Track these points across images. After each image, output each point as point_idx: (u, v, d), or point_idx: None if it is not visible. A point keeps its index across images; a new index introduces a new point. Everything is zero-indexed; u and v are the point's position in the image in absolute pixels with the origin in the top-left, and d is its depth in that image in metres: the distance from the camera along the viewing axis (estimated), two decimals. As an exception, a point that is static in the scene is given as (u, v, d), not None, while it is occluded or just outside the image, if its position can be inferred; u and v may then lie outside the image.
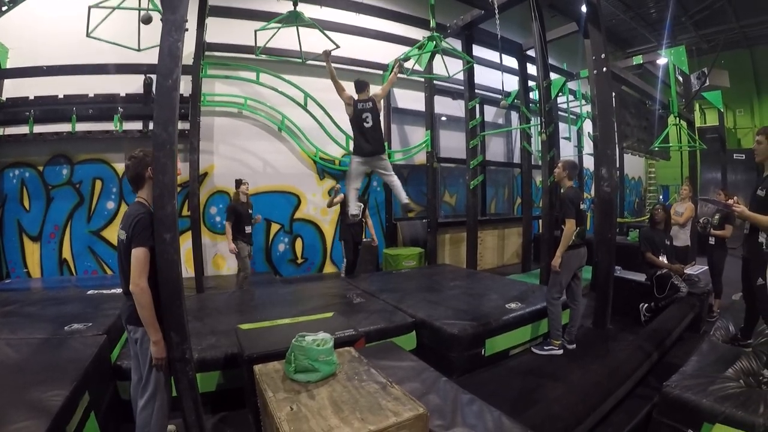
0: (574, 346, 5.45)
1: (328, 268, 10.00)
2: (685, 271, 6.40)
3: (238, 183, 7.35)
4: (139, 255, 2.84)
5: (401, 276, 7.66)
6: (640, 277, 6.69)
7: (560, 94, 11.22)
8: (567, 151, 13.48)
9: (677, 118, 8.86)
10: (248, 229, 7.32)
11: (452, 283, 6.83)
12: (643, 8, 15.14)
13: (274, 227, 9.48)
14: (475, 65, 8.63)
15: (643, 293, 6.46)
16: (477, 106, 9.00)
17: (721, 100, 11.75)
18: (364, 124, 5.24)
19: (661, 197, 19.54)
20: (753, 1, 14.62)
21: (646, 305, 6.33)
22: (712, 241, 6.72)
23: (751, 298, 4.25)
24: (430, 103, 9.68)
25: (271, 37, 6.19)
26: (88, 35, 5.53)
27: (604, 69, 5.75)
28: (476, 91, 9.22)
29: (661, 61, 10.93)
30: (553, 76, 11.03)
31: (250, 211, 7.41)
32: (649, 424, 3.39)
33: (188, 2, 3.14)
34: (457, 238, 10.54)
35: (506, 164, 13.02)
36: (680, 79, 11.57)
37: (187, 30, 3.15)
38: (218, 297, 6.45)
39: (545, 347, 5.43)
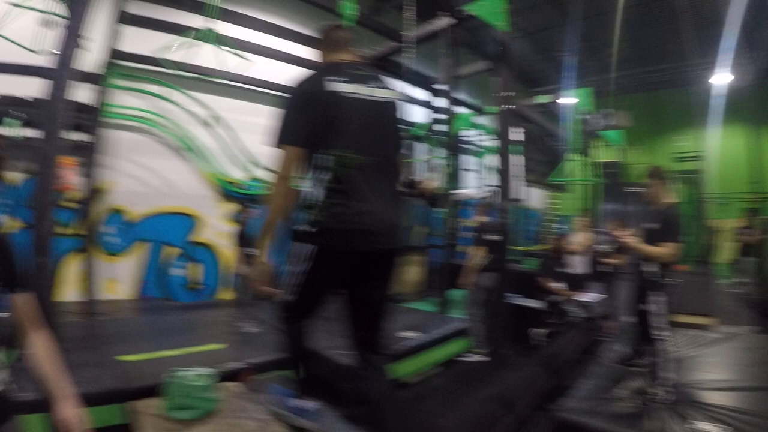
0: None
1: (228, 295, 9.67)
2: (579, 298, 6.74)
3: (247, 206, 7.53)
4: None
5: None
6: (535, 304, 6.91)
7: (468, 127, 11.52)
8: (472, 183, 13.86)
9: (578, 154, 9.25)
10: None
11: None
12: (553, 51, 15.90)
13: (170, 250, 9.00)
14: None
15: (537, 319, 6.69)
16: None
17: (621, 139, 12.36)
18: None
19: (560, 227, 20.56)
20: (656, 51, 16.57)
21: (541, 331, 6.56)
22: (608, 268, 7.14)
23: (640, 321, 4.59)
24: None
25: (181, 51, 5.97)
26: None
27: (509, 106, 6.01)
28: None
29: (566, 101, 11.41)
30: (463, 110, 11.38)
31: None
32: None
33: (92, 11, 3.00)
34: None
35: (409, 194, 12.93)
36: (582, 118, 12.19)
37: (90, 39, 3.02)
38: (107, 324, 6.05)
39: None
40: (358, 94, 2.38)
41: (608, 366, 4.68)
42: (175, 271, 9.08)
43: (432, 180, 6.19)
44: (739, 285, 12.24)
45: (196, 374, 2.94)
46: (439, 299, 7.47)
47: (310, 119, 2.34)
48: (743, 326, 7.39)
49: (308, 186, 2.40)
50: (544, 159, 10.14)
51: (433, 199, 6.15)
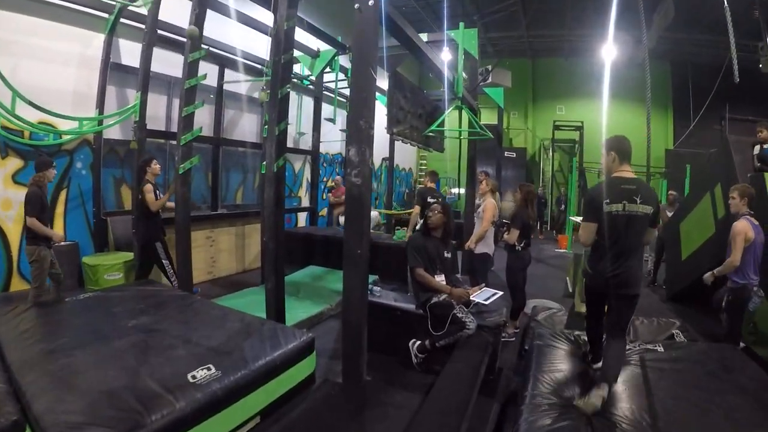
0: None
1: (17, 285, 6.83)
2: (472, 297, 4.67)
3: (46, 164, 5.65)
4: None
5: (77, 306, 4.92)
6: (410, 304, 4.97)
7: (329, 69, 9.46)
8: (332, 135, 12.27)
9: (460, 100, 7.57)
10: None
11: (133, 322, 4.31)
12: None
13: None
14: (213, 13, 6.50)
15: (413, 325, 4.72)
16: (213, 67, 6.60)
17: (503, 100, 11.01)
18: None
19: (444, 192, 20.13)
20: (545, 15, 15.84)
21: (419, 343, 4.54)
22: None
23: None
24: (146, 55, 7.05)
25: None
26: None
27: (371, 2, 3.68)
28: (219, 51, 7.18)
29: (445, 56, 9.70)
30: (324, 47, 9.21)
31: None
32: None
33: None
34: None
35: (245, 143, 10.44)
36: (465, 76, 10.58)
37: None
38: None
39: None
40: None
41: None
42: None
43: None
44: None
45: None
46: (273, 286, 5.17)
47: None
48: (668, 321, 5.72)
49: None
50: (415, 111, 8.16)
51: None
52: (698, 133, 17.02)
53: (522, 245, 5.76)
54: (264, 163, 5.02)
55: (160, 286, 5.95)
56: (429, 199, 7.34)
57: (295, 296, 6.77)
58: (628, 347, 4.03)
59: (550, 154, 19.76)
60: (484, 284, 5.14)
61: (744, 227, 4.72)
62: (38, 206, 5.46)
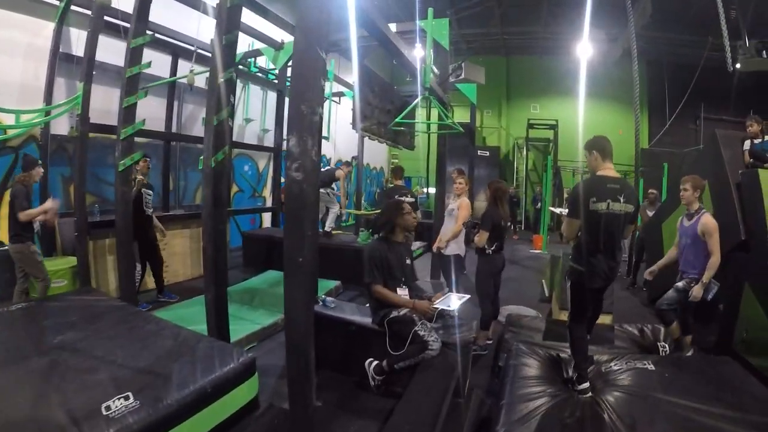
0: None
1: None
2: (435, 304, 4.05)
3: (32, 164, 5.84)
4: None
5: (5, 318, 4.35)
6: (366, 317, 4.41)
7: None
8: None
9: (428, 92, 7.17)
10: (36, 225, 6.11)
11: (59, 338, 3.78)
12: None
13: None
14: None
15: (371, 341, 4.19)
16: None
17: (476, 97, 10.62)
18: None
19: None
20: (519, 11, 15.72)
21: (376, 364, 3.94)
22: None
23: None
24: (91, 42, 6.41)
25: None
26: None
27: None
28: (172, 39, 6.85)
29: (417, 52, 9.26)
30: (288, 38, 8.89)
31: None
32: None
33: None
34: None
35: (193, 138, 9.49)
36: (435, 69, 10.16)
37: None
38: None
39: None
40: None
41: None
42: None
43: None
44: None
45: None
46: (213, 297, 4.55)
47: None
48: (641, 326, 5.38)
49: None
50: (383, 107, 7.70)
51: None
52: (673, 132, 16.93)
53: (493, 248, 5.29)
54: (202, 157, 4.45)
55: (100, 296, 5.39)
56: (398, 198, 6.48)
57: (248, 304, 6.27)
58: (616, 366, 3.80)
59: (525, 152, 19.60)
60: (447, 289, 4.64)
61: (715, 222, 4.72)
62: (26, 201, 5.54)
